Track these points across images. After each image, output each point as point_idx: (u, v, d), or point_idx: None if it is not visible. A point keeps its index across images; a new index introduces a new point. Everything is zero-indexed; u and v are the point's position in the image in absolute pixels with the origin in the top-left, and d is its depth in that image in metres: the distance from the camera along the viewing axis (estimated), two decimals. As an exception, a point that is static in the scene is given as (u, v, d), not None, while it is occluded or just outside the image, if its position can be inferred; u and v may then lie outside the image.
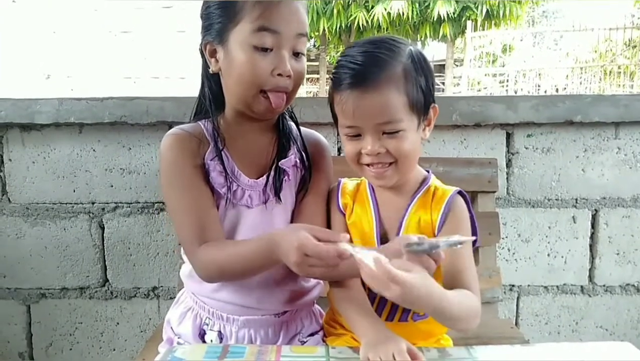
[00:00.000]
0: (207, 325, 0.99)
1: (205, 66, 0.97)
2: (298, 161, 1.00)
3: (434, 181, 0.95)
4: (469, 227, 0.91)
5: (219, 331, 0.97)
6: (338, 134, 1.56)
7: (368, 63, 0.84)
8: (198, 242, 0.91)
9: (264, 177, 0.98)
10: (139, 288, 1.62)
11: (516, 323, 1.65)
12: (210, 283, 0.96)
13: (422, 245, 0.74)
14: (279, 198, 0.97)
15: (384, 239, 0.93)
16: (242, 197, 0.96)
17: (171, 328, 1.03)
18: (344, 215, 0.97)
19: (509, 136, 1.59)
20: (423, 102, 0.87)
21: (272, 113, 0.94)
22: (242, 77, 0.90)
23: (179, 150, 0.94)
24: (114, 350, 1.65)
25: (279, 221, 0.98)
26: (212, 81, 0.97)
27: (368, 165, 0.88)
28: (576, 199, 1.61)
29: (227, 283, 0.96)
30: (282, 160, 0.98)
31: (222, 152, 0.95)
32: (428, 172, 0.97)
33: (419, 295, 0.70)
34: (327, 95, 0.93)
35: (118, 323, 1.64)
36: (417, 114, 0.87)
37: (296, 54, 0.91)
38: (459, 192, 0.92)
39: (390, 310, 0.94)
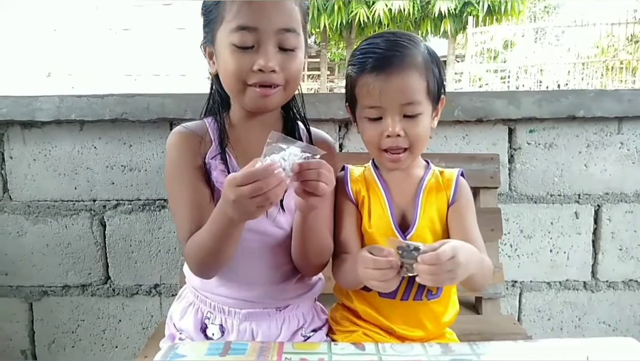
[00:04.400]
0: (209, 318, 0.99)
1: None
2: None
3: (434, 166, 1.02)
4: (473, 206, 1.01)
5: (221, 325, 0.97)
6: (340, 130, 1.57)
7: (393, 49, 0.91)
8: (189, 236, 0.91)
9: None
10: (140, 286, 1.62)
11: (518, 319, 1.65)
12: (201, 275, 0.95)
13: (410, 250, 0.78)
14: (281, 201, 0.94)
15: (402, 224, 0.96)
16: None
17: (173, 324, 1.03)
18: (356, 203, 0.99)
19: (511, 132, 1.59)
20: (437, 91, 0.94)
21: (266, 105, 0.92)
22: (228, 75, 0.91)
23: (180, 148, 0.95)
24: (116, 347, 1.66)
25: (281, 220, 0.96)
26: (217, 82, 0.98)
27: (386, 150, 0.92)
28: (579, 195, 1.60)
29: (228, 278, 0.96)
30: None
31: (226, 151, 0.94)
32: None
33: (466, 254, 0.79)
34: (346, 81, 0.97)
35: (120, 321, 1.64)
36: (432, 101, 0.94)
37: (284, 49, 0.89)
38: (461, 173, 1.02)
39: (405, 290, 0.95)
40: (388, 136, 0.90)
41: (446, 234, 0.96)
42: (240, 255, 0.92)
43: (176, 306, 1.05)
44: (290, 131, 1.00)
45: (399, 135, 0.90)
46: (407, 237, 0.94)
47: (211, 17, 0.92)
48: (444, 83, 0.97)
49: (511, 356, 0.75)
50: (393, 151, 0.92)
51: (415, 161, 0.98)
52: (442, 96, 0.96)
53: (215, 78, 0.97)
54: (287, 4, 0.89)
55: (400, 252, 0.78)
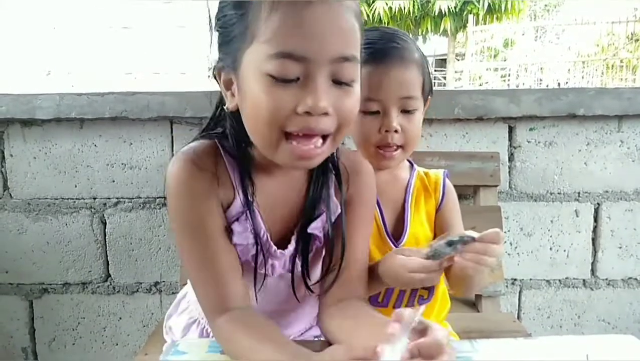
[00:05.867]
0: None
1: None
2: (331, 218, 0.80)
3: (417, 167, 1.01)
4: (459, 208, 1.00)
5: None
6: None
7: (392, 41, 0.89)
8: (218, 311, 0.73)
9: (291, 247, 0.80)
10: (141, 283, 1.62)
11: (518, 317, 1.65)
12: None
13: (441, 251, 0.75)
14: (307, 271, 0.80)
15: (394, 231, 0.95)
16: (264, 265, 0.78)
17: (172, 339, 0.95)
18: None
19: (511, 130, 1.58)
20: (429, 89, 0.94)
21: (306, 166, 0.72)
22: (257, 115, 0.65)
23: (194, 195, 0.73)
24: (117, 344, 1.66)
25: (303, 288, 0.82)
26: (234, 118, 0.74)
27: (379, 147, 0.90)
28: (579, 193, 1.60)
29: None
30: (312, 225, 0.79)
31: (252, 209, 0.75)
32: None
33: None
34: None
35: (120, 318, 1.64)
36: (424, 99, 0.93)
37: (339, 83, 0.65)
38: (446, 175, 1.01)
39: (398, 297, 0.95)
40: (386, 131, 0.88)
41: (435, 237, 0.96)
42: (260, 302, 0.81)
43: (177, 320, 0.97)
44: (318, 177, 0.80)
45: (396, 131, 0.88)
46: (400, 245, 0.93)
47: (234, 34, 0.66)
48: (432, 83, 0.98)
49: (511, 354, 0.75)
50: (387, 149, 0.90)
51: (402, 162, 0.97)
52: (430, 96, 0.96)
53: (232, 114, 0.73)
54: (346, 21, 0.64)
55: (450, 239, 0.74)
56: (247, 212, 0.75)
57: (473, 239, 0.73)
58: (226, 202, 0.75)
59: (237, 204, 0.75)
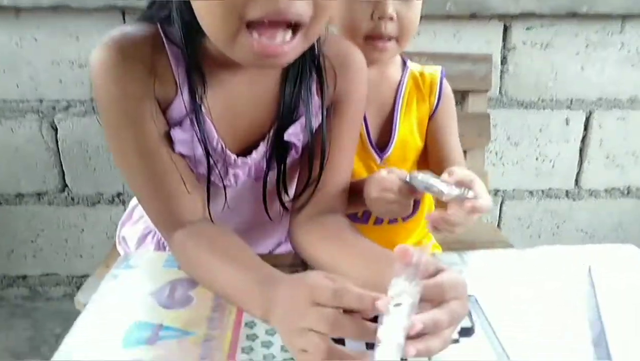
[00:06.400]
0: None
1: None
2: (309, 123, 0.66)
3: (411, 65, 0.87)
4: (455, 114, 0.88)
5: None
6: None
7: None
8: (173, 227, 0.62)
9: (256, 154, 0.67)
10: (102, 194, 1.51)
11: (498, 227, 1.63)
12: None
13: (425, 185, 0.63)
14: (284, 184, 0.68)
15: (379, 140, 0.83)
16: (224, 177, 0.67)
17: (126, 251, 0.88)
18: None
19: (506, 29, 1.44)
20: None
21: (271, 63, 0.54)
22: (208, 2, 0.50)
23: (129, 97, 0.57)
24: (81, 256, 1.58)
25: (275, 203, 0.71)
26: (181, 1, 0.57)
27: (369, 37, 0.76)
28: (571, 100, 1.51)
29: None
30: (288, 131, 0.66)
31: (201, 113, 0.60)
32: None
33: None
34: None
35: (83, 230, 1.55)
36: None
37: None
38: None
39: None
40: (380, 18, 0.74)
41: (425, 147, 0.86)
42: (230, 215, 0.71)
43: (130, 229, 0.87)
44: (295, 73, 0.65)
45: (391, 19, 0.74)
46: (384, 155, 0.82)
47: None
48: None
49: (503, 265, 0.69)
50: (379, 40, 0.76)
51: (394, 57, 0.84)
52: None
53: None
54: None
55: (433, 184, 0.63)
56: (193, 117, 0.59)
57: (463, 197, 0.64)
58: (164, 102, 0.60)
59: (179, 106, 0.60)
